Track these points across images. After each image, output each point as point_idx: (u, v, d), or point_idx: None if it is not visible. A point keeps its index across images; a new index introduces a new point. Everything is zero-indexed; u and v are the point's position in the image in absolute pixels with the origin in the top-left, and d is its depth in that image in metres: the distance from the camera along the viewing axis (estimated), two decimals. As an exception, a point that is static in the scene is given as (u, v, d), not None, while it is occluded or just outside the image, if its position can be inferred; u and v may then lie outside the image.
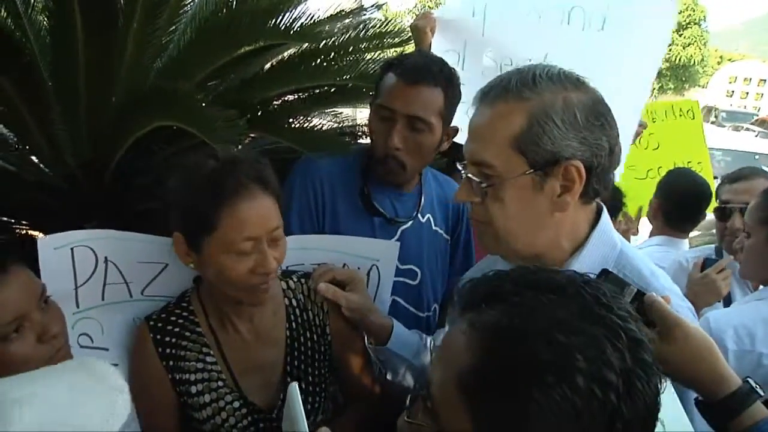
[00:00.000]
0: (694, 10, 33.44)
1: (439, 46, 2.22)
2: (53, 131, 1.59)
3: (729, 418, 0.87)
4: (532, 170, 1.03)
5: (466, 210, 1.96)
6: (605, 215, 1.16)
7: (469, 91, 1.78)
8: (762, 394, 0.88)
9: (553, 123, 1.00)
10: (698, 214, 2.77)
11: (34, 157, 1.82)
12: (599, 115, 1.04)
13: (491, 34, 2.34)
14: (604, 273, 0.98)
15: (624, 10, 2.41)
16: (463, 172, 1.13)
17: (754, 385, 0.89)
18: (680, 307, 1.07)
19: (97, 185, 1.75)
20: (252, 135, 1.94)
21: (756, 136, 12.00)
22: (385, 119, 1.59)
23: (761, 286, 1.82)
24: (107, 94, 1.67)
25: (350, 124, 2.37)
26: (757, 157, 7.39)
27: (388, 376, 1.55)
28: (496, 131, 1.04)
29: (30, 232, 1.91)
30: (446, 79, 1.60)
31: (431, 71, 1.57)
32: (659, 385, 0.68)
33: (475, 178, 1.08)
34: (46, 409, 0.65)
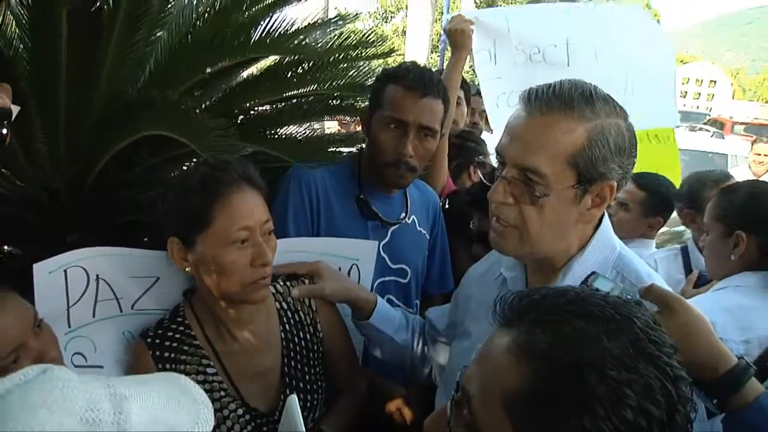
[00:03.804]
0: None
1: (473, 47, 2.39)
2: (33, 142, 1.56)
3: (730, 393, 0.91)
4: (578, 185, 1.09)
5: (440, 211, 2.04)
6: (606, 220, 1.22)
7: (503, 84, 1.83)
8: (755, 368, 0.93)
9: (608, 146, 1.07)
10: None
11: (13, 169, 1.77)
12: (634, 143, 1.12)
13: (515, 28, 2.54)
14: (592, 274, 1.02)
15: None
16: (498, 172, 1.16)
17: (748, 360, 0.94)
18: None
19: (77, 198, 1.72)
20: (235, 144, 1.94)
21: (711, 135, 12.44)
22: (394, 128, 1.69)
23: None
24: (88, 106, 1.64)
25: (321, 134, 2.38)
26: (711, 156, 7.65)
27: (372, 351, 1.64)
28: (557, 144, 1.07)
29: (6, 247, 1.86)
30: (444, 90, 1.72)
31: (434, 83, 1.68)
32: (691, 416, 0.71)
33: (518, 181, 1.11)
34: (147, 410, 0.68)
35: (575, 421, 0.65)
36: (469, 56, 2.46)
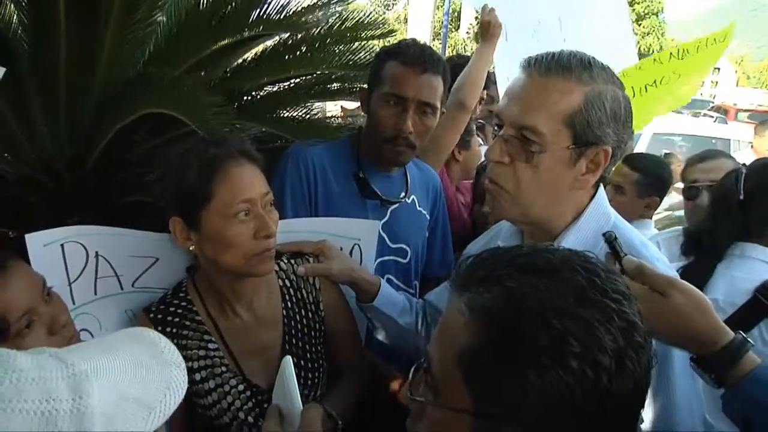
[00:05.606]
0: (652, 2, 34.27)
1: None
2: (33, 124, 1.56)
3: (729, 366, 0.91)
4: (574, 146, 1.11)
5: (442, 193, 2.03)
6: (602, 190, 1.24)
7: (518, 54, 1.84)
8: (753, 343, 0.93)
9: (604, 110, 1.10)
10: None
11: (13, 151, 1.78)
12: (629, 112, 1.15)
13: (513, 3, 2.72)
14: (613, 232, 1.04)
15: None
16: (495, 132, 1.19)
17: (744, 334, 0.93)
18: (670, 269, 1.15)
19: (78, 179, 1.73)
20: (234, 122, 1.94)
21: (714, 121, 12.39)
22: (394, 105, 1.69)
23: None
24: (88, 87, 1.64)
25: (322, 115, 2.38)
26: (713, 141, 7.66)
27: (376, 334, 1.64)
28: (555, 103, 1.10)
29: (4, 229, 1.87)
30: (443, 67, 1.71)
31: (434, 60, 1.68)
32: (650, 362, 0.71)
33: (514, 139, 1.13)
34: (111, 383, 0.65)
35: (520, 375, 0.65)
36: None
